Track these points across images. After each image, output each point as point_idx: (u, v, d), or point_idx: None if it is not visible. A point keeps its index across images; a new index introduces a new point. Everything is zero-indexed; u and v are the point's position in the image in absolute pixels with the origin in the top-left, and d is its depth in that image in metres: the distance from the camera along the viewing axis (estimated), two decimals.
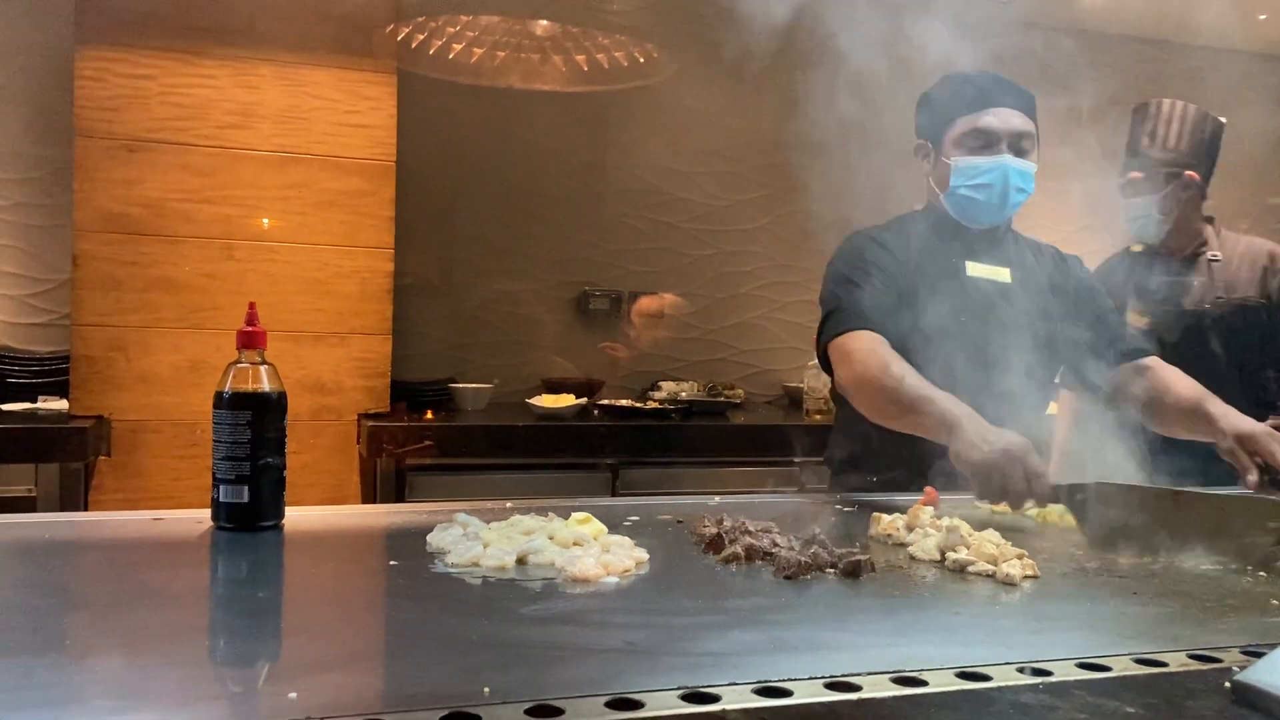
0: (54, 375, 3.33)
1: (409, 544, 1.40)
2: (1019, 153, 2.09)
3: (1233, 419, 2.03)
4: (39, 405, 3.23)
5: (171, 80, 3.17)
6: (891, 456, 2.06)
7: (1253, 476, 1.94)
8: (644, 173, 4.22)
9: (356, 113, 3.33)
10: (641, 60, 3.73)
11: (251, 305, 1.57)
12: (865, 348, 1.95)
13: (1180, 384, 2.15)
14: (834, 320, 2.05)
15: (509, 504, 1.65)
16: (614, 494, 3.36)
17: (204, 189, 3.20)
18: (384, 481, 3.23)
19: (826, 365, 2.09)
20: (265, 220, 3.26)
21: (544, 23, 3.68)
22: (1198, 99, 4.93)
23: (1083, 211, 4.81)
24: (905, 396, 1.84)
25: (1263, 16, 4.56)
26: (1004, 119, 2.09)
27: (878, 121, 4.62)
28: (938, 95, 2.18)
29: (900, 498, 1.87)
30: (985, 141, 2.09)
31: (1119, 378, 2.19)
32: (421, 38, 3.51)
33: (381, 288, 3.37)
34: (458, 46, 3.62)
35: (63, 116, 3.29)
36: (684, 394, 3.91)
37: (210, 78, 3.20)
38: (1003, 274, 2.16)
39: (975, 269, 2.15)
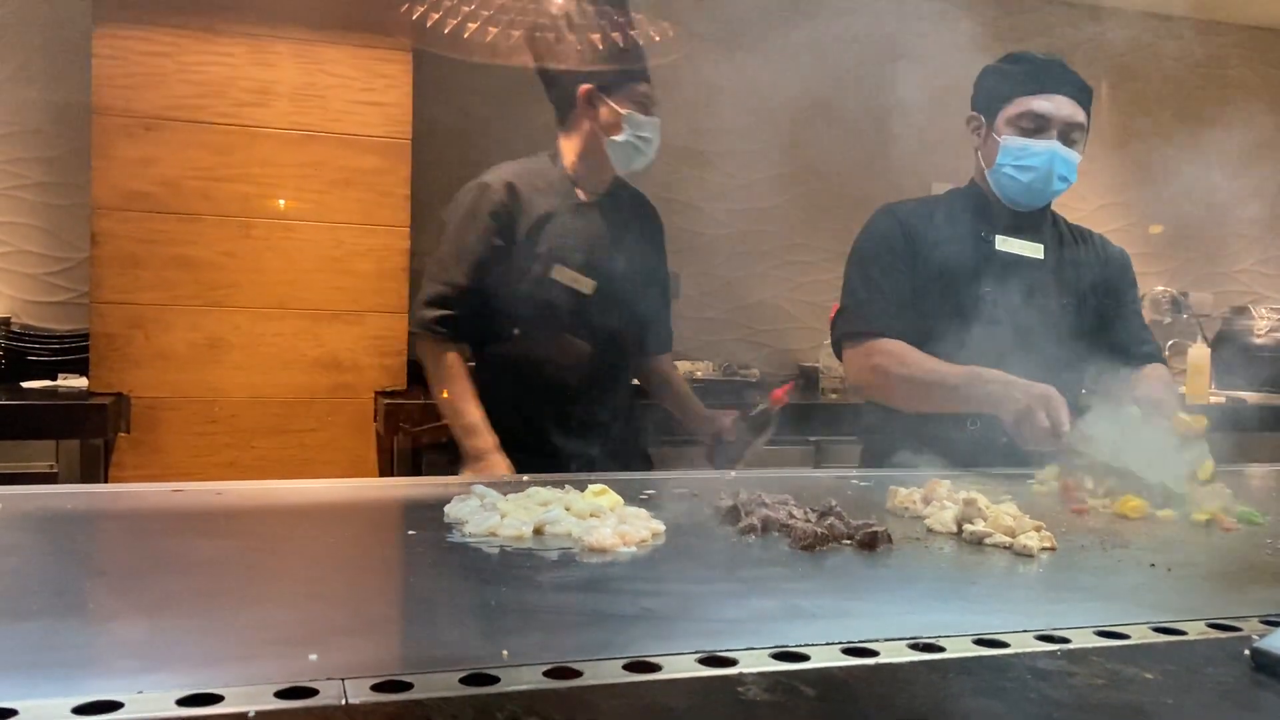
0: (73, 353, 3.35)
1: (426, 515, 1.40)
2: (1068, 142, 2.11)
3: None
4: (59, 383, 3.25)
5: (188, 58, 3.17)
6: (921, 432, 2.08)
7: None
8: (660, 151, 4.20)
9: (372, 90, 3.33)
10: (658, 39, 3.70)
11: None
12: (877, 357, 2.10)
13: (1155, 388, 2.19)
14: (849, 320, 2.18)
15: (525, 477, 1.66)
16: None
17: (221, 167, 3.21)
18: (401, 459, 3.24)
19: (840, 353, 2.23)
20: (282, 199, 3.27)
21: (558, 1, 3.65)
22: (1219, 77, 4.88)
23: (1102, 189, 4.78)
24: (940, 387, 2.01)
25: None
26: (1059, 106, 2.10)
27: (895, 101, 4.59)
28: (999, 71, 2.18)
29: (919, 472, 1.87)
30: (1038, 125, 2.10)
31: (1127, 380, 2.22)
32: (437, 15, 3.49)
33: (398, 266, 3.37)
34: (473, 25, 3.59)
35: (80, 95, 3.30)
36: (699, 373, 3.90)
37: (227, 55, 3.20)
38: (1036, 250, 2.18)
39: (1006, 243, 2.17)
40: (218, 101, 3.20)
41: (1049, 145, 2.09)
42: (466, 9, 3.57)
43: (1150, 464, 1.69)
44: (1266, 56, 4.97)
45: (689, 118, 4.18)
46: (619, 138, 2.37)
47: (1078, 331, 2.19)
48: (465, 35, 3.59)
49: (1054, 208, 2.32)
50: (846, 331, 2.18)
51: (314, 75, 3.27)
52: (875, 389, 2.18)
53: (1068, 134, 2.11)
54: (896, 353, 2.08)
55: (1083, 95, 2.15)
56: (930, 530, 1.41)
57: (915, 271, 2.13)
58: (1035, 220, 2.22)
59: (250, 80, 3.22)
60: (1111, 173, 4.77)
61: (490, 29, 3.67)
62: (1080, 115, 2.12)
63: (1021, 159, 2.11)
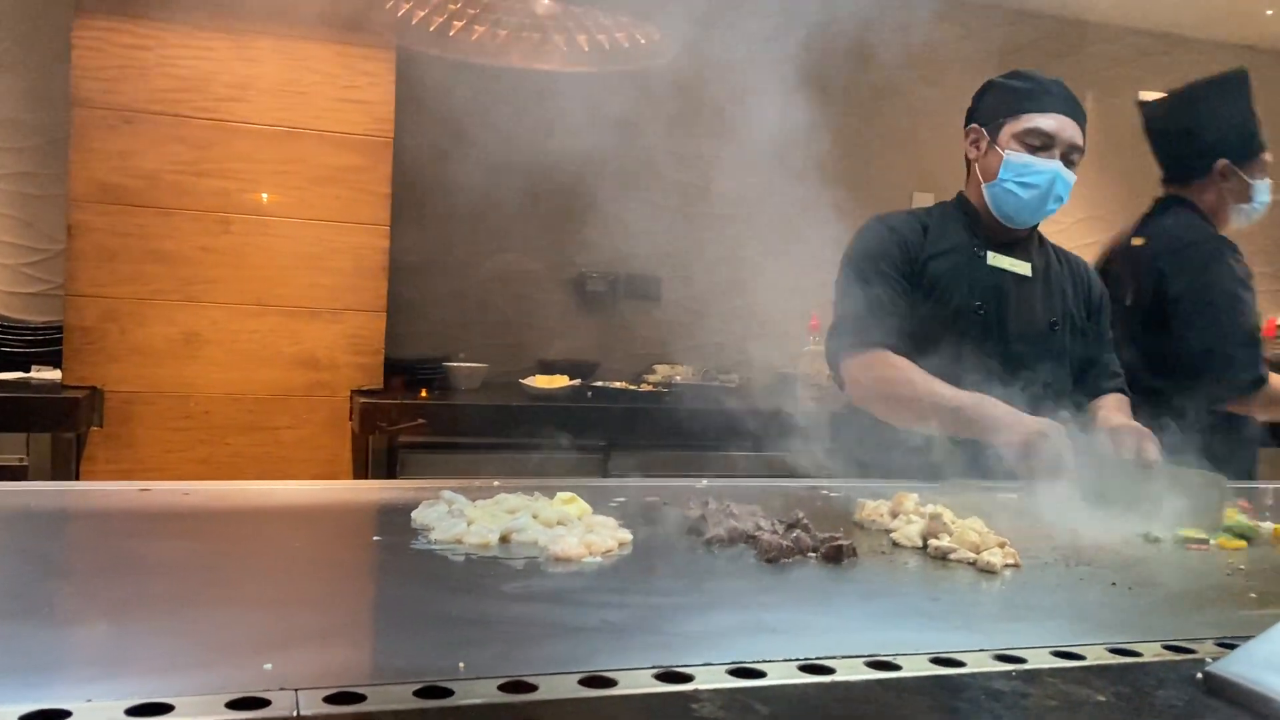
0: (47, 345, 3.33)
1: (394, 520, 1.40)
2: (1068, 164, 2.13)
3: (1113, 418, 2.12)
4: (32, 375, 3.23)
5: (169, 52, 3.16)
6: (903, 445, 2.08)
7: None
8: (644, 155, 4.21)
9: (355, 88, 3.32)
10: (644, 42, 3.71)
11: None
12: (880, 369, 2.08)
13: (1108, 402, 2.26)
14: (845, 333, 2.16)
15: (496, 483, 1.66)
16: (605, 476, 3.37)
17: (201, 161, 3.19)
18: (376, 458, 3.23)
19: (837, 372, 2.22)
20: (261, 195, 3.25)
21: (546, 1, 3.66)
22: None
23: (1083, 203, 4.81)
24: (943, 410, 1.98)
25: (1269, 12, 4.54)
26: (1064, 126, 2.13)
27: (879, 108, 4.62)
28: (1004, 87, 2.20)
29: (887, 484, 1.87)
30: (1044, 142, 2.12)
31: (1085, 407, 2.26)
32: (422, 13, 3.48)
33: (377, 264, 3.36)
34: (458, 23, 3.59)
35: (60, 86, 3.28)
36: (678, 377, 3.91)
37: (209, 50, 3.19)
38: (1023, 267, 2.20)
39: (997, 259, 2.19)
40: (198, 96, 3.18)
41: (1052, 164, 2.11)
42: (453, 6, 3.57)
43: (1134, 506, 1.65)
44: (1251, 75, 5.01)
45: (672, 121, 4.19)
46: (1247, 206, 2.67)
47: (1063, 352, 2.22)
48: (450, 33, 3.59)
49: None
50: (847, 343, 2.15)
51: (296, 71, 3.26)
52: (876, 402, 2.13)
53: (1069, 155, 2.13)
54: (901, 369, 2.06)
55: (1081, 119, 2.18)
56: (896, 544, 1.42)
57: (910, 284, 2.15)
58: (1025, 238, 2.25)
59: (232, 75, 3.21)
60: (1092, 187, 4.80)
61: (476, 28, 3.67)
62: (1081, 138, 2.16)
63: (1024, 175, 2.12)
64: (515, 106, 4.05)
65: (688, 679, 0.85)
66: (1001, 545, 1.34)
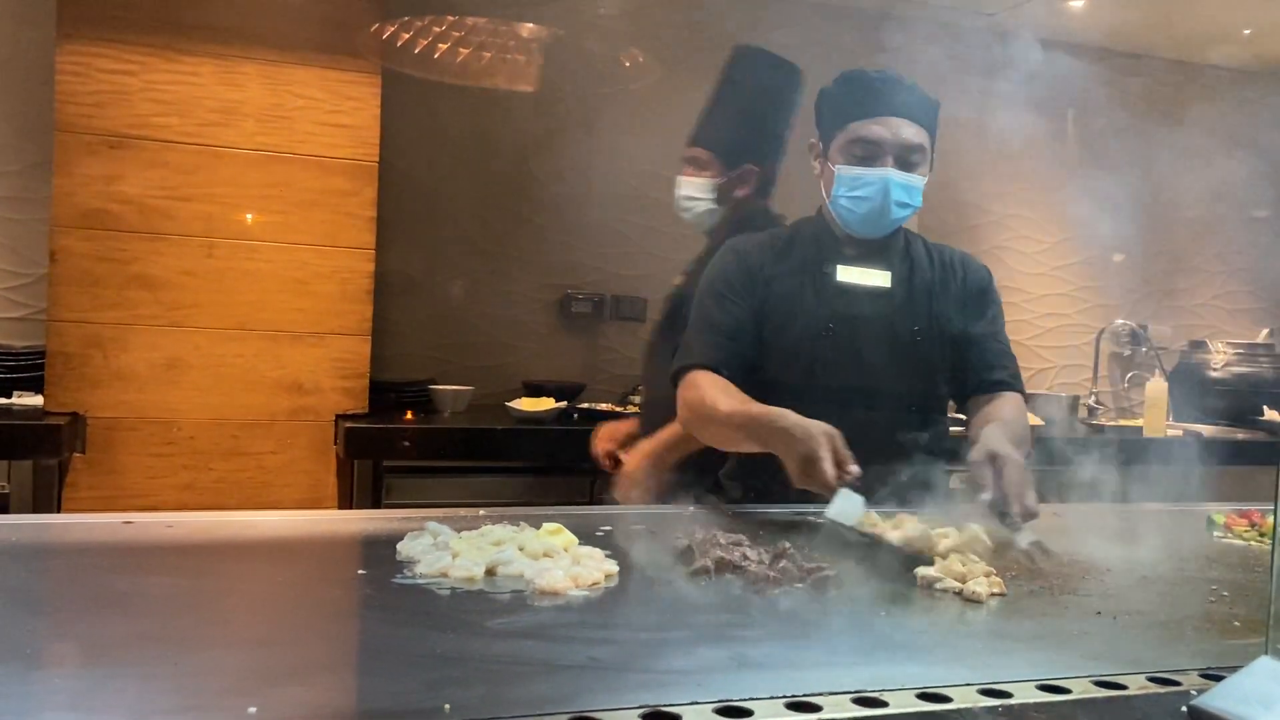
0: (30, 370, 3.30)
1: (379, 552, 1.40)
2: (906, 166, 1.99)
3: (993, 440, 1.71)
4: (14, 401, 3.20)
5: (154, 77, 3.15)
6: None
7: (987, 495, 1.63)
8: (628, 177, 4.22)
9: (340, 112, 3.32)
10: (627, 64, 3.73)
11: None
12: (697, 388, 1.97)
13: (1002, 410, 1.98)
14: (679, 355, 2.07)
15: (481, 511, 1.65)
16: (592, 498, 3.36)
17: (185, 186, 3.18)
18: (361, 483, 3.21)
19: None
20: (245, 219, 3.24)
21: (530, 25, 3.67)
22: (1179, 114, 4.98)
23: (1063, 223, 4.84)
24: (729, 422, 1.86)
25: (1247, 32, 4.59)
26: (894, 129, 1.97)
27: None
28: (832, 95, 2.07)
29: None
30: (870, 152, 1.98)
31: (969, 405, 2.08)
32: (407, 37, 3.49)
33: (361, 288, 3.36)
34: (443, 46, 3.60)
35: (43, 111, 3.27)
36: None
37: (193, 75, 3.18)
38: (881, 277, 2.06)
39: (847, 273, 2.05)
40: (183, 121, 3.18)
41: (882, 174, 1.97)
42: (437, 30, 3.58)
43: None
44: (1226, 96, 5.07)
45: (657, 143, 4.21)
46: None
47: (927, 362, 2.06)
48: (435, 57, 3.60)
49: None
50: (676, 367, 2.06)
51: (281, 96, 3.26)
52: (691, 424, 2.03)
53: (905, 157, 1.99)
54: (704, 387, 1.95)
55: (923, 113, 2.02)
56: (878, 541, 1.42)
57: (756, 307, 2.04)
58: (884, 247, 2.09)
59: (216, 100, 3.20)
60: (1071, 205, 4.84)
61: (461, 50, 3.68)
62: (920, 136, 2.00)
63: (855, 189, 1.99)
64: (501, 128, 4.06)
65: (675, 719, 0.85)
66: (987, 574, 1.35)
